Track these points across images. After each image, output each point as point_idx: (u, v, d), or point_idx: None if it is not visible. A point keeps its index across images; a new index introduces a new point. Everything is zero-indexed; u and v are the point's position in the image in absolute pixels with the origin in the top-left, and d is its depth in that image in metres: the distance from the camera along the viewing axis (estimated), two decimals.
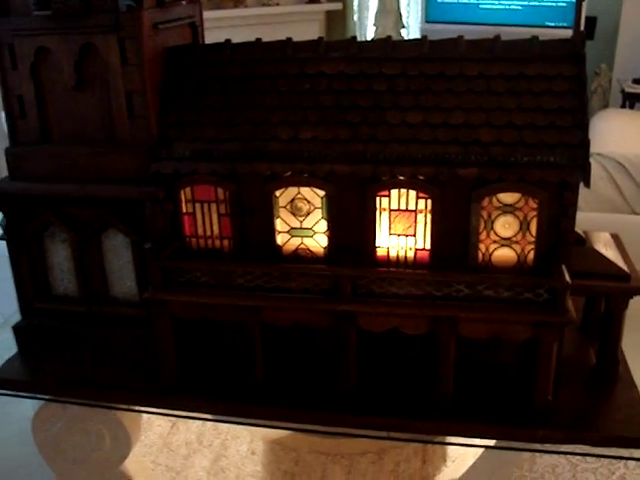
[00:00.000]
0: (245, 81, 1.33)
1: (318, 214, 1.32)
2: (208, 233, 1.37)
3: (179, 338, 1.37)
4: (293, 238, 1.35)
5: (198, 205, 1.35)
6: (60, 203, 1.37)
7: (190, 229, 1.37)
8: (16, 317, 1.51)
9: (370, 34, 5.07)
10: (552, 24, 4.14)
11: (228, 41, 1.35)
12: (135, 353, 1.41)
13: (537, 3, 4.14)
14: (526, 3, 4.18)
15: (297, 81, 1.32)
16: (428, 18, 4.39)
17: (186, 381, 1.39)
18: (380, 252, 1.33)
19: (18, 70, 1.32)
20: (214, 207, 1.35)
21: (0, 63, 1.33)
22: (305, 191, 1.31)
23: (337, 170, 1.26)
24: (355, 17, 5.49)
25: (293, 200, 1.32)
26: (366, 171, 1.25)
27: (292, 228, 1.34)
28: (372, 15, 5.13)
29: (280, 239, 1.35)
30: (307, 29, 5.09)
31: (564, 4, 4.06)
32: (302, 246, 1.35)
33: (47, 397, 1.46)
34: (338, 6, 5.41)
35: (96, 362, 1.45)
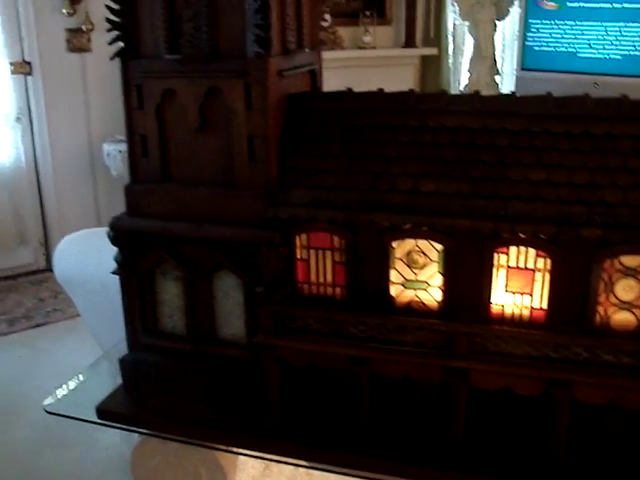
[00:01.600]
0: (366, 130, 1.36)
1: (434, 267, 1.34)
2: (321, 280, 1.40)
3: (284, 382, 1.39)
4: (407, 290, 1.37)
5: (313, 252, 1.38)
6: (175, 242, 1.42)
7: (303, 275, 1.40)
8: (117, 349, 1.56)
9: (464, 80, 5.06)
10: None
11: (350, 90, 1.39)
12: (239, 395, 1.45)
13: (638, 53, 4.09)
14: (626, 53, 4.14)
15: (419, 133, 1.34)
16: (524, 65, 4.36)
17: (288, 425, 1.42)
18: (495, 309, 1.34)
19: (144, 110, 1.38)
20: (329, 254, 1.38)
21: (127, 103, 1.39)
22: (422, 243, 1.33)
23: (457, 225, 1.27)
24: (450, 62, 5.49)
25: (410, 252, 1.34)
26: (487, 227, 1.26)
27: (407, 280, 1.36)
28: (467, 61, 5.12)
29: (394, 290, 1.37)
30: (402, 73, 5.13)
31: None
32: (415, 298, 1.36)
33: (148, 432, 1.50)
34: (434, 51, 5.44)
35: (199, 400, 1.49)
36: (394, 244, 1.34)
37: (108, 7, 1.36)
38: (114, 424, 1.50)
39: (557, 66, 4.32)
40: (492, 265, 1.31)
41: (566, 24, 4.27)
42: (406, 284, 1.37)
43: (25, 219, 3.87)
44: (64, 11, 3.53)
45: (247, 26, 1.28)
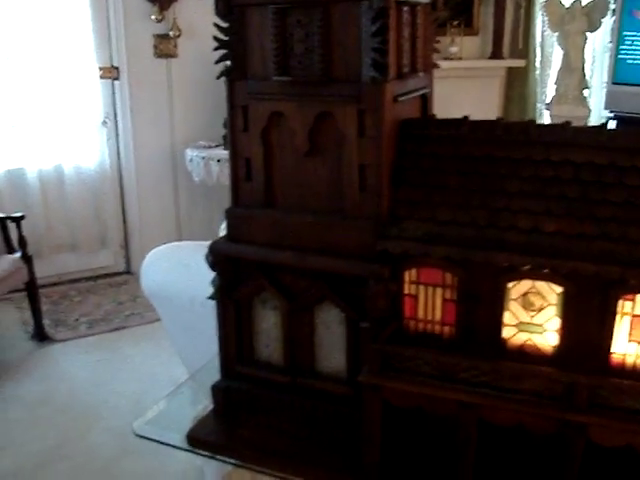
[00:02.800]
0: (483, 162, 1.28)
1: (551, 311, 1.24)
2: (429, 317, 1.32)
3: (385, 421, 1.31)
4: (521, 333, 1.28)
5: (422, 288, 1.30)
6: (276, 270, 1.36)
7: (410, 311, 1.32)
8: (202, 374, 1.52)
9: (551, 92, 4.87)
10: None
11: (466, 118, 1.30)
12: (336, 431, 1.38)
13: None
14: None
15: (541, 167, 1.25)
16: (616, 79, 4.18)
17: (387, 467, 1.34)
18: (615, 358, 1.24)
19: (249, 132, 1.33)
20: (439, 292, 1.30)
21: (232, 124, 1.34)
22: (541, 285, 1.24)
23: (581, 269, 1.18)
24: (537, 74, 5.31)
25: (526, 294, 1.25)
26: (613, 273, 1.16)
27: (521, 322, 1.27)
28: (554, 73, 4.93)
29: (506, 332, 1.28)
30: (488, 84, 4.98)
31: None
32: (529, 342, 1.27)
33: (239, 463, 1.45)
34: (521, 63, 5.26)
35: (294, 434, 1.42)
36: (510, 284, 1.26)
37: (216, 25, 1.32)
38: (204, 452, 1.45)
39: None
40: (615, 312, 1.21)
41: None
42: (520, 326, 1.28)
43: (107, 222, 3.91)
44: (153, 17, 3.54)
45: (363, 49, 1.21)
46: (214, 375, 1.51)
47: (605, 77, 5.24)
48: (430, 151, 1.31)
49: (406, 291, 1.32)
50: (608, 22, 4.70)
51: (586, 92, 4.71)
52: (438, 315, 1.32)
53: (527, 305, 1.26)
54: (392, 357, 1.27)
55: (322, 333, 1.39)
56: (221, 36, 1.32)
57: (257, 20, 1.28)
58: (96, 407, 2.98)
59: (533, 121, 1.28)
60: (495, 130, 1.29)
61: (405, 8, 1.27)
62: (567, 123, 1.28)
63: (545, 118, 5.10)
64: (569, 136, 1.26)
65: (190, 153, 3.73)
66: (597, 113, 4.90)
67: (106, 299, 3.79)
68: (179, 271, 2.05)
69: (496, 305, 1.27)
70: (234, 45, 1.31)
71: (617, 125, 4.36)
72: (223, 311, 1.43)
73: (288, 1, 1.23)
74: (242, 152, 1.36)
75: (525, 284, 1.25)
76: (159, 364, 3.27)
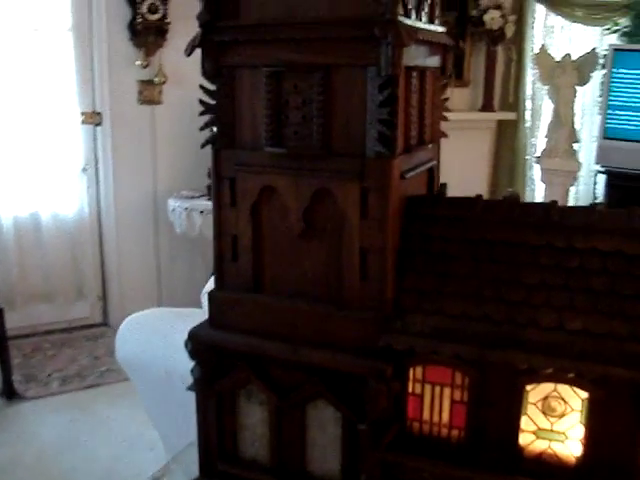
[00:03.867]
0: (499, 248, 1.14)
1: (575, 417, 1.09)
2: (435, 419, 1.16)
3: None
4: (539, 440, 1.12)
5: (428, 387, 1.15)
6: (265, 362, 1.20)
7: (415, 412, 1.17)
8: (186, 455, 1.35)
9: (542, 145, 4.78)
10: None
11: (479, 197, 1.16)
12: None
13: None
14: None
15: (564, 256, 1.11)
16: (607, 134, 4.11)
17: None
18: None
19: (237, 208, 1.18)
20: (447, 392, 1.14)
21: (217, 198, 1.19)
22: (563, 389, 1.09)
23: (611, 374, 1.03)
24: (527, 126, 5.23)
25: (546, 397, 1.10)
26: None
27: (540, 429, 1.12)
28: (545, 126, 4.85)
29: (523, 439, 1.12)
30: (479, 137, 4.88)
31: None
32: (549, 451, 1.12)
33: None
34: (512, 116, 5.17)
35: None
36: (528, 387, 1.10)
37: (202, 87, 1.17)
38: None
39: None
40: None
41: None
42: (539, 433, 1.12)
43: (84, 271, 3.72)
44: (138, 62, 3.41)
45: (368, 120, 1.07)
46: (194, 462, 1.34)
47: (594, 131, 5.19)
48: (439, 234, 1.17)
49: (410, 390, 1.16)
50: (598, 76, 4.65)
51: (576, 146, 4.63)
52: (446, 417, 1.16)
53: (547, 410, 1.11)
54: (394, 467, 1.11)
55: (315, 433, 1.22)
56: (207, 99, 1.17)
57: (248, 83, 1.14)
58: (67, 473, 2.77)
59: (554, 203, 1.14)
60: (512, 212, 1.15)
61: (414, 73, 1.13)
62: (593, 206, 1.15)
63: (535, 171, 5.02)
64: (595, 220, 1.12)
65: (172, 203, 3.58)
66: (587, 167, 4.83)
67: (81, 353, 3.58)
68: (156, 341, 1.88)
69: (512, 409, 1.11)
70: (222, 110, 1.16)
71: (607, 179, 4.29)
72: (203, 403, 1.26)
73: (284, 64, 1.09)
74: (228, 229, 1.20)
75: (546, 387, 1.10)
76: (135, 426, 3.06)
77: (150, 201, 3.70)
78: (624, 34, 4.71)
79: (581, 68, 4.42)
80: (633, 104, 4.05)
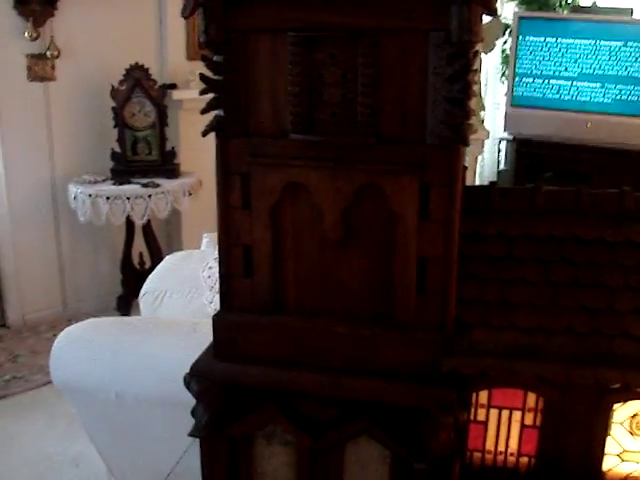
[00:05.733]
0: (570, 245, 0.95)
1: None
2: (501, 448, 0.97)
3: None
4: (624, 463, 0.96)
5: (494, 412, 0.96)
6: (292, 398, 0.96)
7: (476, 441, 0.98)
8: None
9: None
10: None
11: (540, 185, 0.96)
12: None
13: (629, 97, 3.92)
14: (617, 97, 3.95)
15: None
16: (515, 102, 4.04)
17: None
18: None
19: (251, 210, 0.92)
20: (517, 416, 0.95)
21: (223, 198, 0.94)
22: None
23: None
24: None
25: (635, 415, 0.93)
26: None
27: (625, 451, 0.95)
28: None
29: (606, 463, 0.95)
30: None
31: None
32: (635, 474, 0.95)
33: None
34: None
35: None
36: (614, 405, 0.93)
37: (205, 59, 0.90)
38: None
39: (548, 104, 4.02)
40: None
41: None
42: (624, 456, 0.96)
43: None
44: (26, 34, 2.97)
45: (430, 98, 0.84)
46: None
47: (497, 99, 5.16)
48: (497, 231, 0.97)
49: (472, 416, 0.97)
50: (499, 44, 4.59)
51: (482, 114, 4.57)
52: (514, 445, 0.98)
53: (636, 430, 0.94)
54: None
55: (354, 473, 1.00)
56: (210, 74, 0.90)
57: (268, 53, 0.88)
58: None
59: (628, 190, 0.97)
60: (579, 201, 0.97)
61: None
62: None
63: None
64: None
65: (74, 189, 3.18)
66: (491, 135, 4.79)
67: None
68: (102, 359, 1.58)
69: (596, 431, 0.95)
70: (230, 88, 0.89)
71: (516, 147, 4.25)
72: (210, 451, 1.01)
73: (318, 27, 0.84)
74: (238, 237, 0.95)
75: (635, 404, 0.93)
76: (54, 441, 2.70)
77: (48, 188, 3.28)
78: (522, 2, 4.68)
79: (485, 35, 4.32)
80: (540, 72, 4.01)
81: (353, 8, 0.83)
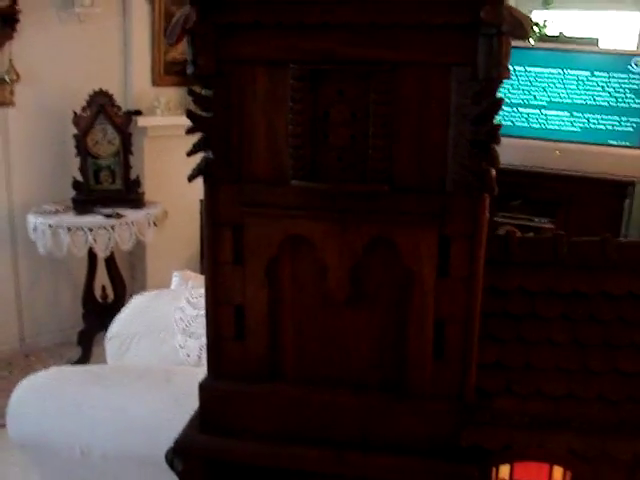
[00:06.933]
0: (598, 301, 0.86)
1: None
2: None
3: None
4: None
5: None
6: (290, 475, 0.84)
7: None
8: None
9: None
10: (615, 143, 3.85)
11: (561, 235, 0.87)
12: None
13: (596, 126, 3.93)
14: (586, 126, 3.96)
15: None
16: None
17: None
18: None
19: (244, 267, 0.80)
20: None
21: (211, 253, 0.82)
22: None
23: None
24: None
25: None
26: None
27: None
28: None
29: None
30: None
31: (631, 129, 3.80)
32: None
33: None
34: None
35: None
36: None
37: (191, 92, 0.78)
38: None
39: (517, 132, 4.00)
40: None
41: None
42: None
43: None
44: None
45: (452, 141, 0.74)
46: None
47: None
48: (519, 285, 0.86)
49: None
50: None
51: None
52: None
53: None
54: None
55: None
56: (198, 110, 0.79)
57: (265, 87, 0.77)
58: None
59: None
60: (605, 252, 0.87)
61: None
62: None
63: None
64: None
65: (33, 220, 3.01)
66: None
67: None
68: (66, 412, 1.43)
69: None
70: (221, 126, 0.78)
71: None
72: None
73: (326, 58, 0.74)
74: (229, 296, 0.83)
75: None
76: None
77: (5, 218, 3.10)
78: None
79: None
80: (509, 100, 3.98)
81: (366, 37, 0.72)
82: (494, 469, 0.85)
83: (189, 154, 0.80)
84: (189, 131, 0.79)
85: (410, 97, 0.73)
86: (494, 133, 0.72)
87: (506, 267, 0.87)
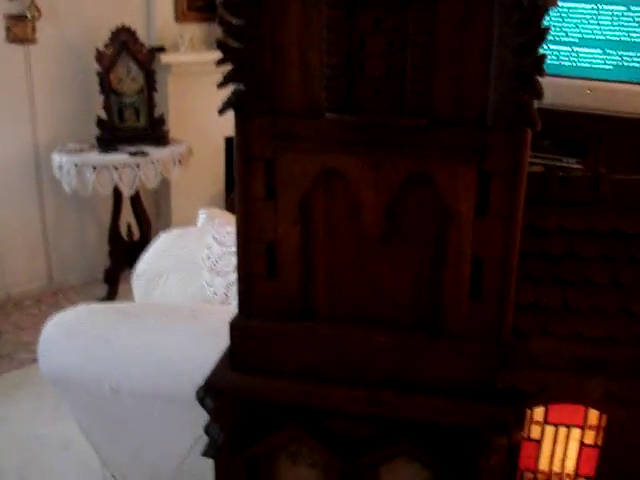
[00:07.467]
0: (637, 241, 0.82)
1: None
2: (556, 469, 0.86)
3: None
4: None
5: (550, 429, 0.84)
6: (322, 414, 0.83)
7: (529, 461, 0.86)
8: None
9: None
10: None
11: (603, 173, 0.83)
12: None
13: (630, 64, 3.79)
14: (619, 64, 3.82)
15: None
16: None
17: None
18: None
19: (276, 202, 0.78)
20: (576, 434, 0.84)
21: (242, 188, 0.80)
22: None
23: None
24: None
25: None
26: None
27: None
28: None
29: None
30: None
31: None
32: None
33: None
34: None
35: None
36: None
37: (222, 22, 0.75)
38: None
39: (547, 70, 3.88)
40: None
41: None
42: None
43: None
44: None
45: (494, 73, 0.70)
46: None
47: None
48: (557, 224, 0.84)
49: (525, 434, 0.85)
50: None
51: None
52: (571, 466, 0.86)
53: None
54: None
55: None
56: (228, 41, 0.75)
57: (299, 15, 0.73)
58: None
59: None
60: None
61: None
62: None
63: None
64: None
65: (58, 158, 3.00)
66: None
67: None
68: (95, 349, 1.45)
69: None
70: (252, 57, 0.75)
71: None
72: (226, 473, 0.89)
73: None
74: (261, 232, 0.81)
75: None
76: (43, 423, 2.58)
77: (30, 157, 3.10)
78: None
79: None
80: None
81: None
82: (529, 411, 0.84)
83: (219, 86, 0.77)
84: (219, 62, 0.76)
85: (450, 27, 0.70)
86: (539, 64, 0.69)
87: (545, 205, 0.84)
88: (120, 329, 1.47)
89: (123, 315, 1.51)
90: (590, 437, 0.84)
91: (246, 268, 0.83)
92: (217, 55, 0.76)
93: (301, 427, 0.84)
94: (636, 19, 3.74)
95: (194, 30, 3.36)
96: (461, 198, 0.74)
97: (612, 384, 0.77)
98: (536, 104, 0.72)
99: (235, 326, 0.85)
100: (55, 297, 3.40)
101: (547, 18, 0.70)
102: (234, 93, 0.77)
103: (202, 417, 0.87)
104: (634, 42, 3.74)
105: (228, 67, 0.76)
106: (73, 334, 1.50)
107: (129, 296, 2.13)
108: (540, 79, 0.70)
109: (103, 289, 3.29)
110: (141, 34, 3.07)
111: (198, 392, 0.86)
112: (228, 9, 0.74)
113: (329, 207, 0.79)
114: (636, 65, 3.73)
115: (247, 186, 0.80)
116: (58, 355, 1.50)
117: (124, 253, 3.27)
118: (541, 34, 0.68)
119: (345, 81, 0.73)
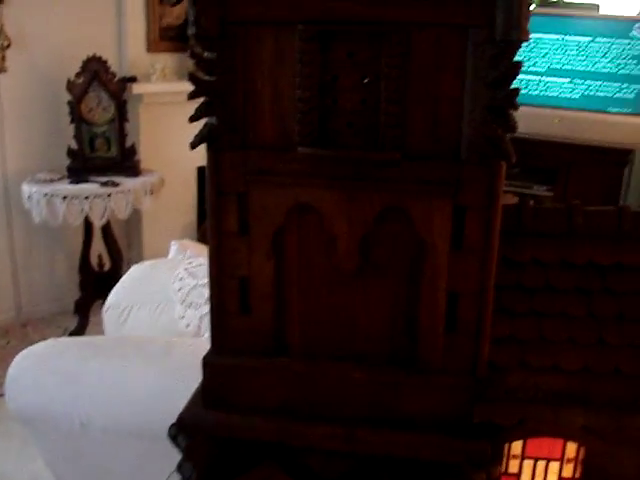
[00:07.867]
0: (615, 274, 0.82)
1: None
2: None
3: None
4: None
5: (528, 463, 0.83)
6: (296, 451, 0.82)
7: None
8: None
9: None
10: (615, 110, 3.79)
11: (577, 204, 0.84)
12: None
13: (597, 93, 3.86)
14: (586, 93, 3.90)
15: None
16: None
17: None
18: None
19: (249, 237, 0.77)
20: (554, 467, 0.83)
21: (215, 223, 0.78)
22: None
23: None
24: None
25: None
26: None
27: None
28: None
29: None
30: None
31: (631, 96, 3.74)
32: None
33: None
34: None
35: None
36: None
37: (194, 55, 0.74)
38: None
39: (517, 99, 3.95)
40: None
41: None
42: None
43: None
44: None
45: (468, 107, 0.70)
46: None
47: None
48: (532, 257, 0.84)
49: (504, 469, 0.84)
50: None
51: None
52: None
53: None
54: None
55: None
56: (201, 74, 0.75)
57: (272, 49, 0.73)
58: None
59: None
60: (621, 222, 0.84)
61: None
62: None
63: None
64: None
65: (28, 189, 2.96)
66: None
67: None
68: (65, 384, 1.41)
69: None
70: (225, 90, 0.74)
71: None
72: None
73: (335, 19, 0.70)
74: (234, 268, 0.80)
75: None
76: (10, 460, 2.51)
77: None
78: None
79: None
80: None
81: None
82: (507, 445, 0.83)
83: (192, 119, 0.76)
84: (191, 96, 0.75)
85: (424, 60, 0.69)
86: (512, 98, 0.69)
87: (519, 237, 0.84)
88: (91, 364, 1.43)
89: (94, 349, 1.48)
90: (569, 470, 0.83)
91: (218, 304, 0.81)
92: (189, 86, 0.75)
93: (276, 465, 0.82)
94: (601, 50, 3.83)
95: (166, 60, 3.36)
96: (436, 232, 0.73)
97: (590, 416, 0.77)
98: (509, 137, 0.72)
99: (207, 363, 0.83)
100: (24, 329, 3.33)
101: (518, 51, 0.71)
102: (206, 126, 0.76)
103: (174, 454, 0.85)
104: (599, 72, 3.82)
105: (200, 100, 0.76)
106: (42, 369, 1.46)
107: (100, 327, 2.09)
108: (514, 112, 0.70)
109: (73, 320, 3.24)
110: (112, 64, 3.06)
111: (170, 429, 0.84)
112: (200, 42, 0.73)
113: (303, 242, 0.78)
114: (602, 94, 3.81)
115: (220, 221, 0.79)
116: (27, 390, 1.46)
117: (95, 284, 3.23)
118: (514, 68, 0.68)
119: (318, 115, 0.73)
